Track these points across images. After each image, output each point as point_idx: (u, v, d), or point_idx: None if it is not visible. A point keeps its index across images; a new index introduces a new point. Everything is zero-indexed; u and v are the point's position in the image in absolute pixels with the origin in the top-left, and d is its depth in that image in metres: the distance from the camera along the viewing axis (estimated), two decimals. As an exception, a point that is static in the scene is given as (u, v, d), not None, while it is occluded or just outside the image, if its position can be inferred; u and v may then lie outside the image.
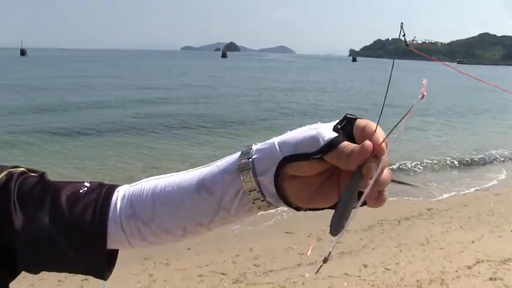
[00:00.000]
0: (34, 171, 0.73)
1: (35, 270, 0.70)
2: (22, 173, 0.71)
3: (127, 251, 0.72)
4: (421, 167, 9.40)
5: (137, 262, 4.56)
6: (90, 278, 0.72)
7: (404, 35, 0.49)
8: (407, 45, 0.50)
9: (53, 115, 15.16)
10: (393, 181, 0.55)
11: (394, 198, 6.97)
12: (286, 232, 5.54)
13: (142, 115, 15.38)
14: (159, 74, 41.36)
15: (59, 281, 4.13)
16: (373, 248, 5.01)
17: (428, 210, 6.56)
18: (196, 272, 4.41)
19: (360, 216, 0.51)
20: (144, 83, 30.19)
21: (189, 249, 4.95)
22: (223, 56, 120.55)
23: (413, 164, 9.43)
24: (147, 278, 4.30)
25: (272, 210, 1.23)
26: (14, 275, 0.70)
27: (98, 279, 0.72)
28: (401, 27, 0.48)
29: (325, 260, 0.54)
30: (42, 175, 0.71)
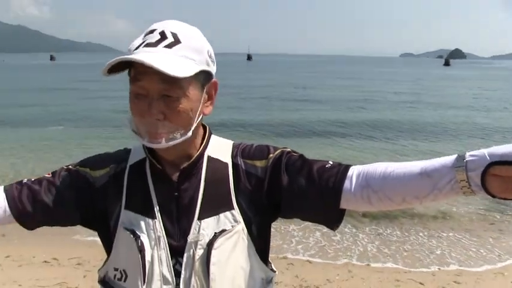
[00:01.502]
0: (295, 152, 1.08)
1: (288, 216, 1.09)
2: (288, 152, 1.07)
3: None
4: None
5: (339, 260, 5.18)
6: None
7: None
8: None
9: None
10: None
11: None
12: None
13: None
14: (379, 81, 41.59)
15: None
16: None
17: None
18: (394, 276, 4.75)
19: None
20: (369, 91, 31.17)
21: (389, 256, 5.33)
22: (446, 64, 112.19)
23: None
24: (346, 272, 4.85)
25: None
26: (275, 218, 1.11)
27: None
28: None
29: None
30: (301, 155, 1.06)
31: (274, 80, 40.28)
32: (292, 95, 26.68)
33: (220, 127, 13.86)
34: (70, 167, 1.12)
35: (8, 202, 1.05)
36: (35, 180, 1.10)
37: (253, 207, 1.04)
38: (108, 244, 1.08)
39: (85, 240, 5.18)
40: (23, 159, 10.55)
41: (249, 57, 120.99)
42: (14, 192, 1.07)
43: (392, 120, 16.76)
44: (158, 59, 0.89)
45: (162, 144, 0.96)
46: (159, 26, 0.96)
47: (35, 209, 1.06)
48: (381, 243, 5.81)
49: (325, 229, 4.47)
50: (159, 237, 1.00)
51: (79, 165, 1.12)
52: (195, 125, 0.99)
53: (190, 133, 0.98)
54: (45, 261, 4.91)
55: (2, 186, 1.09)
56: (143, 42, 0.95)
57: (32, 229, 1.11)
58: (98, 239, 1.12)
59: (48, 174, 1.12)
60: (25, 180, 1.10)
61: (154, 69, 0.87)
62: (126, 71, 0.98)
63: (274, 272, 1.13)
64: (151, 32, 0.96)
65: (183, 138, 0.98)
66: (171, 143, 0.96)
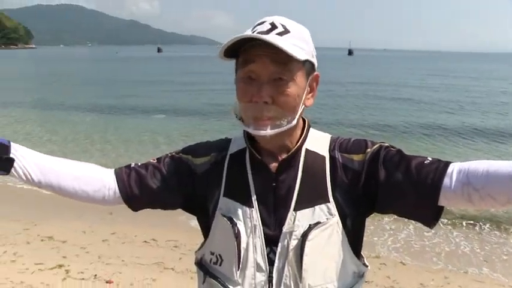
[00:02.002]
0: (393, 147, 1.05)
1: (384, 211, 1.06)
2: (386, 147, 1.05)
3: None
4: None
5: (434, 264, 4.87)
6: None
7: None
8: None
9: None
10: None
11: None
12: None
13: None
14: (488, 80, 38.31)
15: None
16: None
17: None
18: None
19: None
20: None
21: (485, 261, 4.95)
22: None
23: None
24: (441, 278, 4.58)
25: None
26: (371, 213, 1.08)
27: None
28: None
29: None
30: (399, 150, 1.04)
31: (373, 76, 38.77)
32: (390, 93, 25.30)
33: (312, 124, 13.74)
34: (174, 154, 1.18)
35: (118, 184, 1.13)
36: (141, 164, 1.17)
37: (349, 201, 1.04)
38: (205, 228, 1.12)
39: (182, 224, 5.39)
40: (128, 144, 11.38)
41: (350, 52, 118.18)
42: (123, 175, 1.14)
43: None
44: (274, 39, 0.93)
45: (268, 131, 0.98)
46: (268, 19, 1.00)
47: (142, 192, 1.13)
48: (477, 244, 5.45)
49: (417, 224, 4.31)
50: (255, 226, 1.03)
51: (182, 152, 1.18)
52: (299, 112, 1.01)
53: (295, 121, 1.01)
54: (145, 241, 5.23)
55: (113, 170, 1.17)
56: (254, 31, 0.98)
57: (136, 210, 1.18)
58: (194, 223, 1.17)
59: (154, 159, 1.18)
60: (133, 165, 1.17)
61: (267, 51, 0.93)
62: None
63: (367, 266, 1.11)
64: (262, 23, 0.99)
65: (288, 126, 1.00)
66: (276, 130, 0.98)
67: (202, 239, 1.16)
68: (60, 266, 4.38)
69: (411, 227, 5.81)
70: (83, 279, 4.12)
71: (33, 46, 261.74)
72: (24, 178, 1.04)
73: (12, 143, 1.03)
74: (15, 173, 1.03)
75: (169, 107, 18.66)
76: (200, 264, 1.14)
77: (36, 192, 5.84)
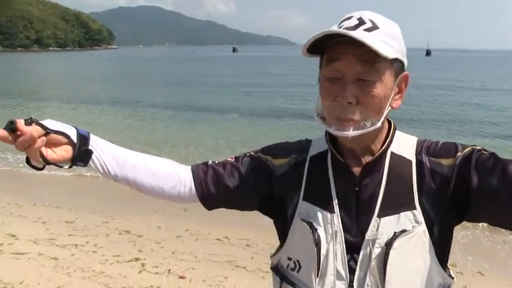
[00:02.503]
0: (486, 150, 0.96)
1: (476, 219, 0.98)
2: (478, 150, 0.95)
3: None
4: None
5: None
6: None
7: None
8: None
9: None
10: None
11: None
12: None
13: None
14: None
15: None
16: None
17: None
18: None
19: None
20: None
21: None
22: None
23: None
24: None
25: None
26: (460, 221, 1.00)
27: None
28: None
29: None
30: (493, 153, 0.94)
31: (453, 79, 34.91)
32: (471, 98, 22.71)
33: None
34: (252, 153, 1.15)
35: (194, 182, 1.10)
36: (219, 163, 1.14)
37: (437, 208, 0.97)
38: (283, 232, 1.08)
39: (256, 223, 5.34)
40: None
41: (428, 53, 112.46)
42: (200, 173, 1.11)
43: None
44: (362, 35, 0.87)
45: (350, 132, 0.93)
46: (356, 14, 0.95)
47: (218, 191, 1.10)
48: None
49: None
50: (335, 232, 0.98)
51: (261, 152, 1.15)
52: (384, 114, 0.95)
53: (379, 123, 0.95)
54: (218, 239, 5.25)
55: (190, 167, 1.14)
56: (340, 27, 0.92)
57: (211, 209, 1.16)
58: (268, 222, 1.15)
59: (231, 158, 1.15)
60: (210, 162, 1.15)
61: (353, 49, 0.87)
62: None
63: (453, 278, 1.04)
64: (349, 18, 0.94)
65: (372, 127, 0.94)
66: (360, 131, 0.93)
67: (275, 238, 1.13)
68: (137, 259, 4.51)
69: (492, 234, 5.42)
70: (157, 273, 4.21)
71: (115, 47, 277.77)
72: (102, 170, 1.02)
73: (91, 135, 1.01)
74: (92, 165, 1.01)
75: (244, 107, 18.90)
76: (276, 269, 1.11)
77: (112, 185, 6.06)
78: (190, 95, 23.58)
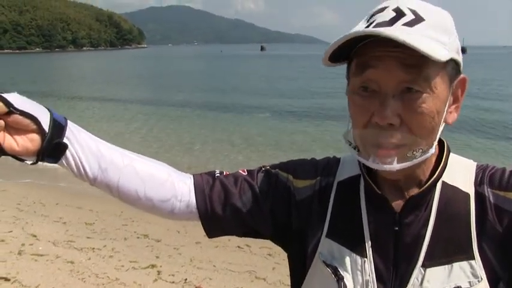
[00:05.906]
0: None
1: None
2: None
3: None
4: None
5: None
6: None
7: None
8: None
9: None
10: None
11: None
12: None
13: None
14: None
15: None
16: None
17: None
18: None
19: None
20: None
21: None
22: None
23: None
24: None
25: None
26: None
27: None
28: None
29: None
30: None
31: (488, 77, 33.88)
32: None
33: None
34: (269, 168, 0.93)
35: (196, 197, 0.88)
36: (228, 175, 0.92)
37: (504, 258, 0.73)
38: (298, 269, 0.87)
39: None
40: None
41: (464, 50, 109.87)
42: (204, 186, 0.89)
43: None
44: (402, 34, 0.62)
45: (394, 165, 0.70)
46: (391, 2, 0.71)
47: (225, 212, 0.88)
48: None
49: None
50: (367, 282, 0.77)
51: (279, 168, 0.92)
52: (438, 135, 0.72)
53: (432, 150, 0.72)
54: (239, 247, 5.04)
55: (190, 176, 0.92)
56: (371, 23, 0.69)
57: (211, 236, 0.93)
58: None
59: (243, 171, 0.93)
60: (217, 173, 0.92)
61: (392, 51, 0.65)
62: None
63: None
64: (382, 10, 0.71)
65: (423, 157, 0.71)
66: (405, 163, 0.70)
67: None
68: (153, 266, 4.36)
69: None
70: (173, 282, 4.04)
71: (145, 46, 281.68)
72: (76, 171, 0.79)
73: (69, 123, 0.78)
74: (65, 163, 0.78)
75: (274, 106, 18.64)
76: None
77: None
78: (217, 93, 23.65)
